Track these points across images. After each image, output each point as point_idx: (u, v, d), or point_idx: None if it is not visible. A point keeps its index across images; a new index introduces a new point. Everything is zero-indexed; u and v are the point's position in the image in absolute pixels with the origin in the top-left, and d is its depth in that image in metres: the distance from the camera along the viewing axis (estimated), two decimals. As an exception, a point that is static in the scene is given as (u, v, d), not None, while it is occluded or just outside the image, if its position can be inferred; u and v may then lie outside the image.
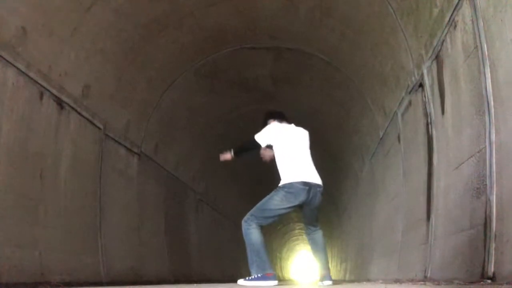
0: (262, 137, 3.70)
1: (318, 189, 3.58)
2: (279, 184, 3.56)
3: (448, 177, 3.24)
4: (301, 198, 3.47)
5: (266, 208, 3.52)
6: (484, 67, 2.58)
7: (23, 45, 3.47)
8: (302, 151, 3.71)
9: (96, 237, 4.61)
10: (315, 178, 3.59)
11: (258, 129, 3.82)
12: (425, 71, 3.73)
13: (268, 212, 3.51)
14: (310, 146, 3.85)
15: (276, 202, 3.49)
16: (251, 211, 3.55)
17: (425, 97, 3.79)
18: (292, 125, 3.88)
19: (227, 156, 3.87)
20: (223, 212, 10.88)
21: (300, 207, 3.59)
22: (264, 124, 3.93)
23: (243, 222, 3.54)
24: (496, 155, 2.46)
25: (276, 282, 3.44)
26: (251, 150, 3.79)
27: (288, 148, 3.66)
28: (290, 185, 3.48)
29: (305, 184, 3.49)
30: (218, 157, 3.99)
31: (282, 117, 3.95)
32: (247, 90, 7.20)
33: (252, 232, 3.48)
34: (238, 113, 7.78)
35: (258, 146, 3.72)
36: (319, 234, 3.74)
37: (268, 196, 3.56)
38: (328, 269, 3.66)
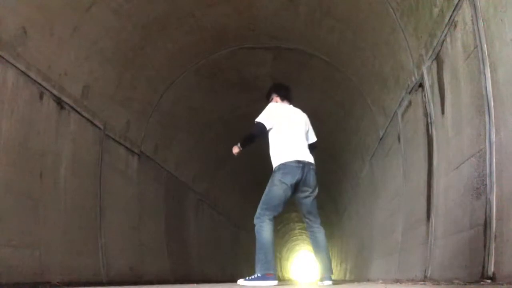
0: (266, 119, 3.70)
1: (311, 167, 3.65)
2: (274, 168, 3.62)
3: (448, 177, 3.24)
4: (297, 176, 3.55)
5: (271, 197, 3.56)
6: (484, 67, 2.58)
7: (23, 45, 3.47)
8: (297, 132, 3.76)
9: (96, 237, 4.61)
10: (307, 157, 3.67)
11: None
12: (425, 71, 3.73)
13: (274, 200, 3.55)
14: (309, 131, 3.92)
15: (277, 187, 3.55)
16: (259, 206, 3.60)
17: (425, 97, 3.79)
18: (291, 106, 3.94)
19: (235, 149, 3.80)
20: (223, 212, 10.88)
21: (296, 189, 3.60)
22: (268, 96, 4.02)
23: (255, 220, 3.56)
24: (496, 155, 2.46)
25: (276, 282, 3.44)
26: (257, 137, 3.74)
27: (284, 130, 3.71)
28: (284, 166, 3.56)
29: (298, 162, 3.57)
30: (221, 155, 3.94)
31: (286, 94, 4.02)
32: (247, 90, 7.19)
33: (264, 229, 3.50)
34: (238, 113, 7.78)
35: (263, 130, 3.70)
36: (321, 233, 3.72)
37: (268, 186, 3.61)
38: (330, 270, 3.64)
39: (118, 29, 4.58)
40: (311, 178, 3.64)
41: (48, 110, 3.87)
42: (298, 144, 3.70)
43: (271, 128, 3.72)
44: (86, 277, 4.17)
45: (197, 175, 8.44)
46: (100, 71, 4.64)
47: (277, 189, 3.55)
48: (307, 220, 3.76)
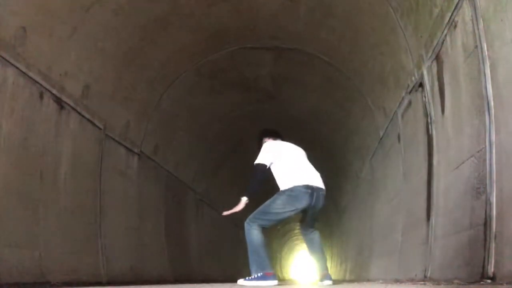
0: (264, 158, 3.63)
1: (321, 192, 3.59)
2: (281, 189, 3.56)
3: (448, 177, 3.24)
4: (304, 202, 3.47)
5: (268, 212, 3.53)
6: (484, 67, 2.58)
7: (23, 45, 3.47)
8: (302, 159, 3.76)
9: (96, 237, 4.61)
10: (317, 182, 3.60)
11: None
12: (425, 71, 3.73)
13: (270, 216, 3.53)
14: (310, 154, 3.88)
15: (278, 207, 3.50)
16: (254, 214, 3.56)
17: (425, 97, 3.79)
18: (285, 142, 3.93)
19: (240, 206, 3.55)
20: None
21: (303, 211, 3.60)
22: (259, 141, 3.98)
23: (245, 224, 3.56)
24: (496, 155, 2.46)
25: (276, 281, 3.45)
26: (262, 180, 3.59)
27: (288, 158, 3.68)
28: (292, 189, 3.49)
29: (308, 187, 3.49)
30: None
31: (276, 135, 4.02)
32: (247, 90, 7.19)
33: (252, 233, 3.50)
34: (238, 113, 7.78)
35: (264, 170, 3.59)
36: (316, 235, 3.75)
37: (270, 200, 3.56)
38: (326, 268, 3.66)
39: (118, 29, 4.58)
40: (320, 203, 3.58)
41: (48, 110, 3.87)
42: (305, 169, 3.65)
43: (272, 163, 3.65)
44: (86, 277, 4.17)
45: (197, 175, 8.44)
46: (100, 71, 4.64)
47: (277, 208, 3.50)
48: (306, 227, 3.78)
